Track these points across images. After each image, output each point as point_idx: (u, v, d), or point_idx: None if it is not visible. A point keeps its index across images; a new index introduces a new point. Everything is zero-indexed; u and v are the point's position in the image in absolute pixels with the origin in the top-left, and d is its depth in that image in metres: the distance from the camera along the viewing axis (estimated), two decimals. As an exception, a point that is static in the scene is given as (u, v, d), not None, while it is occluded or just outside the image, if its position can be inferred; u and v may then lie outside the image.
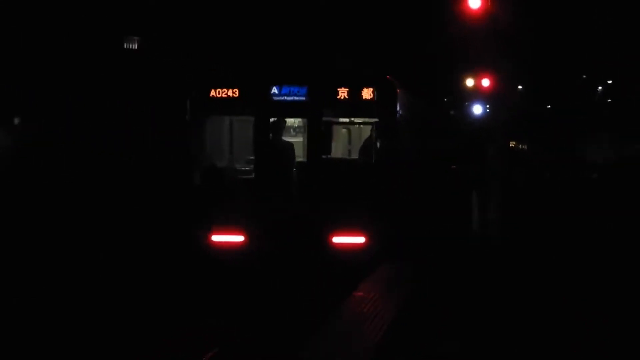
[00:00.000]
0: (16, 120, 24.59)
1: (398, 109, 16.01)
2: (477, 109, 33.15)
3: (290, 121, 17.22)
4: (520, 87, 55.00)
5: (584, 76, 66.62)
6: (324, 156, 16.08)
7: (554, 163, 44.42)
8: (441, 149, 25.03)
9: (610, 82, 67.60)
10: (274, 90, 15.75)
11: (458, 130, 28.23)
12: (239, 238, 15.63)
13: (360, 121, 17.87)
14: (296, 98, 15.81)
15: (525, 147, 63.71)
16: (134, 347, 11.95)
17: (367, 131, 17.55)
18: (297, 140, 17.29)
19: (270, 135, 16.05)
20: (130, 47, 21.87)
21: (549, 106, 68.54)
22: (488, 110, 25.89)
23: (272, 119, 16.07)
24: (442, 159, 24.91)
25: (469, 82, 35.40)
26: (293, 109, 16.00)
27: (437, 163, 23.91)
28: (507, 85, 23.39)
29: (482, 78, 24.43)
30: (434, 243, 18.46)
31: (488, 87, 22.01)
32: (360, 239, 15.57)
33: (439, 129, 25.82)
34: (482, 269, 16.40)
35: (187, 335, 12.69)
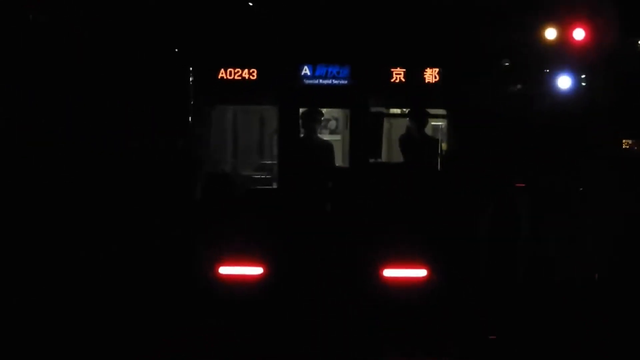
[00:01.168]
0: None
1: (472, 97, 12.18)
2: (564, 82, 19.56)
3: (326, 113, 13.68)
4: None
5: None
6: (372, 160, 12.40)
7: None
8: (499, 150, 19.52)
9: None
10: (305, 71, 12.04)
11: (527, 119, 19.79)
12: (256, 270, 12.08)
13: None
14: (335, 81, 12.05)
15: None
16: (133, 347, 11.33)
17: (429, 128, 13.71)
18: (334, 138, 13.98)
19: (302, 131, 12.46)
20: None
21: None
22: (584, 85, 17.58)
23: (302, 110, 12.43)
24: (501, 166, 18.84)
25: (550, 34, 21.14)
26: (331, 96, 12.20)
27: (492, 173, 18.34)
28: (621, 38, 15.61)
29: (574, 27, 15.63)
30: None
31: (585, 40, 14.63)
32: (421, 272, 12.00)
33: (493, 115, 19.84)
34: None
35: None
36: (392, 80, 12.03)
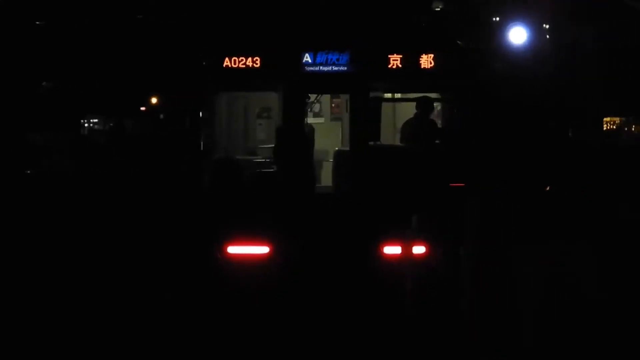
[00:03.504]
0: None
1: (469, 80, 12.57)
2: (518, 35, 15.02)
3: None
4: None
5: None
6: (372, 142, 12.65)
7: None
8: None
9: None
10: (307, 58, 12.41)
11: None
12: (263, 250, 12.39)
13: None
14: (335, 68, 12.43)
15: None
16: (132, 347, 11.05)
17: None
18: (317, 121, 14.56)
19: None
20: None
21: None
22: (548, 37, 15.06)
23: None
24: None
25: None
26: (331, 83, 12.57)
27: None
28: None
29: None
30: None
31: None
32: (419, 249, 12.17)
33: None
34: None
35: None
36: (389, 66, 12.50)
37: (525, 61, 13.57)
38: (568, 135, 12.62)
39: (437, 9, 16.01)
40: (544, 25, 14.82)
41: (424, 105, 13.13)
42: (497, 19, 15.74)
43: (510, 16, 14.46)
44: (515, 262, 9.62)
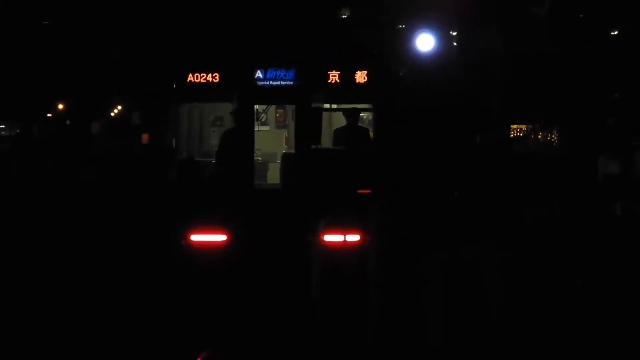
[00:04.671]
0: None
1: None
2: (425, 42, 15.12)
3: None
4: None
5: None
6: (313, 146, 14.71)
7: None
8: None
9: None
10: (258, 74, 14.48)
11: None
12: (221, 237, 14.04)
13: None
14: (282, 83, 14.52)
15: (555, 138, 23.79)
16: (127, 347, 11.50)
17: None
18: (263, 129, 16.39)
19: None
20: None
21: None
22: (456, 45, 14.87)
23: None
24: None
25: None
26: (279, 95, 14.69)
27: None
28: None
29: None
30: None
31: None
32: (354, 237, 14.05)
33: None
34: None
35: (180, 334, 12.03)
36: (328, 81, 14.61)
37: (432, 68, 14.18)
38: (475, 141, 13.31)
39: (343, 16, 17.23)
40: (451, 32, 15.23)
41: (353, 114, 15.23)
42: (403, 26, 16.12)
43: (417, 23, 14.99)
44: (420, 263, 9.67)
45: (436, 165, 13.09)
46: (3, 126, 45.89)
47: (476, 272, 9.51)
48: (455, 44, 15.10)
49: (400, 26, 16.37)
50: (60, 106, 48.13)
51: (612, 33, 20.04)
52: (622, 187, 14.87)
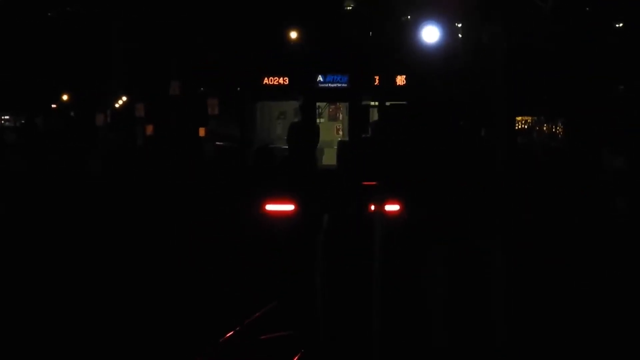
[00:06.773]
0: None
1: None
2: (431, 34, 15.11)
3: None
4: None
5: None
6: (363, 135, 18.25)
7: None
8: None
9: None
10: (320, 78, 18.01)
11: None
12: (289, 207, 17.50)
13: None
14: (338, 85, 18.09)
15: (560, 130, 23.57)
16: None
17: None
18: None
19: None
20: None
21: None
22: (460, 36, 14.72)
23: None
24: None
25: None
26: (335, 94, 18.22)
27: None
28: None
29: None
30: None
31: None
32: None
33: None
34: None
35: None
36: (374, 83, 18.22)
37: (438, 60, 14.27)
38: (480, 135, 12.01)
39: (348, 8, 19.63)
40: (456, 24, 15.21)
41: (389, 111, 18.64)
42: (409, 17, 17.11)
43: (423, 15, 14.88)
44: (423, 260, 9.04)
45: (443, 160, 12.04)
46: (7, 117, 46.64)
47: (482, 270, 8.86)
48: (460, 35, 15.23)
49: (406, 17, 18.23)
50: (65, 97, 47.92)
51: (617, 25, 20.85)
52: (627, 182, 14.49)
